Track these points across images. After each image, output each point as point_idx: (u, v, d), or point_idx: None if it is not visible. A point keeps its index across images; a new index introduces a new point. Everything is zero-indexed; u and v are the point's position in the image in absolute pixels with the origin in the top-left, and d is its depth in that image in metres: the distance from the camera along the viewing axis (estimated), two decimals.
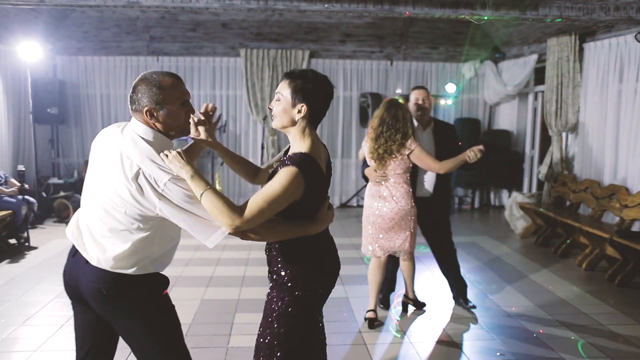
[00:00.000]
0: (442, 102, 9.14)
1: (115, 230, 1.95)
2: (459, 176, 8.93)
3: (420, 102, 4.31)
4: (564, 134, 7.28)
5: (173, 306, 2.15)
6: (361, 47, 9.09)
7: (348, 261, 5.93)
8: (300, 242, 2.03)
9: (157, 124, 1.97)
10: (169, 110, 1.95)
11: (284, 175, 1.88)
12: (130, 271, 1.98)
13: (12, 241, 6.38)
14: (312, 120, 2.03)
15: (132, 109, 1.98)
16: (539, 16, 5.34)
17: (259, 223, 1.85)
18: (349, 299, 4.68)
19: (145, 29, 8.61)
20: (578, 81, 6.88)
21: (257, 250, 6.35)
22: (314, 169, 1.95)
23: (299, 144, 2.02)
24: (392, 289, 4.60)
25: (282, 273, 2.06)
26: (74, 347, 3.61)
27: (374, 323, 4.06)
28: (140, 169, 1.87)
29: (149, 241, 1.98)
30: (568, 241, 6.19)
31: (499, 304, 4.60)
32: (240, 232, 1.87)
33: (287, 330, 2.02)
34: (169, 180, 1.85)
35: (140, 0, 4.91)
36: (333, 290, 4.86)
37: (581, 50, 6.87)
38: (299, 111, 1.99)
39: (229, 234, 1.87)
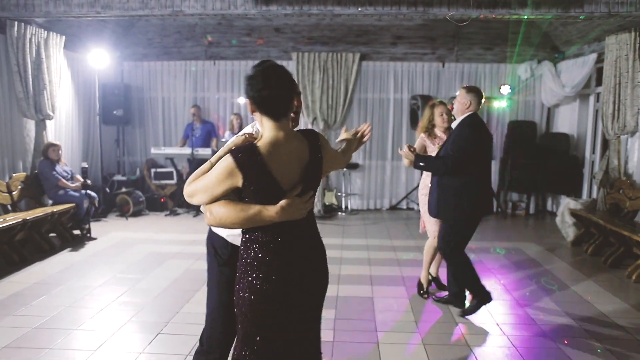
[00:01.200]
0: (495, 104, 8.90)
1: None
2: (512, 180, 8.67)
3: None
4: (622, 137, 6.88)
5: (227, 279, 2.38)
6: (412, 49, 9.05)
7: (382, 262, 5.97)
8: (256, 235, 2.07)
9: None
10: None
11: (221, 161, 2.02)
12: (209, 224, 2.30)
13: (76, 232, 6.98)
14: (263, 110, 2.02)
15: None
16: (584, 13, 5.11)
17: (192, 189, 2.06)
18: (374, 299, 4.73)
19: (203, 35, 9.08)
20: (638, 81, 6.47)
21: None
22: (252, 164, 1.98)
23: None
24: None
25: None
26: (110, 328, 3.96)
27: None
28: None
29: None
30: (620, 251, 5.86)
31: (528, 311, 4.47)
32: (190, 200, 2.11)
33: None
34: None
35: (183, 9, 5.24)
36: (361, 289, 4.97)
37: None
38: (249, 106, 2.10)
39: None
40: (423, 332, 4.01)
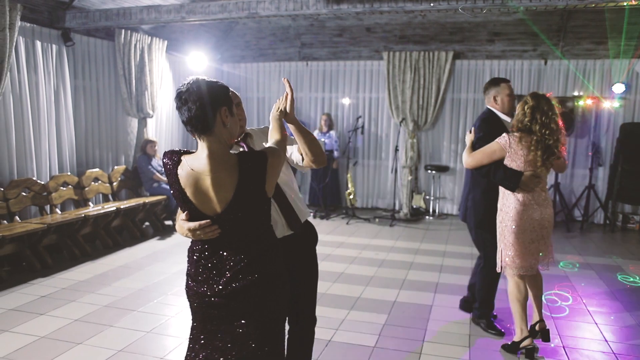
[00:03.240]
0: (606, 104, 8.01)
1: None
2: (622, 189, 7.74)
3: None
4: None
5: None
6: (511, 46, 8.46)
7: (454, 270, 5.67)
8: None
9: None
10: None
11: None
12: None
13: (169, 222, 7.52)
14: (186, 128, 2.01)
15: None
16: None
17: None
18: (432, 308, 4.51)
19: (296, 37, 9.30)
20: None
21: (368, 250, 6.49)
22: (170, 171, 2.02)
23: None
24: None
25: None
26: (167, 312, 4.21)
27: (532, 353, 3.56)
28: None
29: None
30: None
31: (608, 337, 3.96)
32: None
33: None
34: None
35: (258, 11, 5.41)
36: (422, 296, 4.73)
37: None
38: None
39: None
40: (474, 348, 3.74)
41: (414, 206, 8.92)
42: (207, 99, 1.93)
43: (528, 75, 8.43)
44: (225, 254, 1.99)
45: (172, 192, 2.06)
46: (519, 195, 3.46)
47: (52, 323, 4.00)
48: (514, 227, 3.45)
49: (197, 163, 1.95)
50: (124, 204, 6.52)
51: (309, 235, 2.65)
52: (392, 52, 8.84)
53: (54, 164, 6.27)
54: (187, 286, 2.09)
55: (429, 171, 8.88)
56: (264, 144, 2.43)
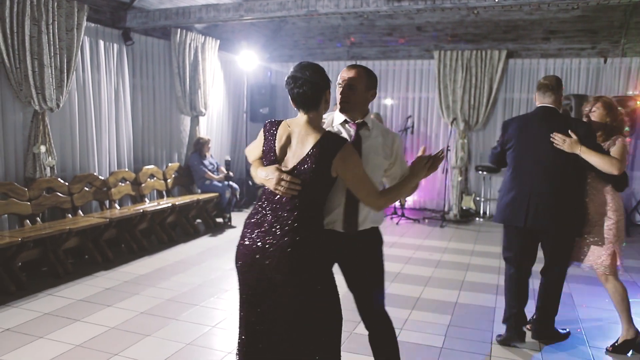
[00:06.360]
0: None
1: None
2: None
3: None
4: None
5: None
6: (568, 44, 8.20)
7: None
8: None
9: None
10: None
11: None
12: None
13: (219, 220, 7.60)
14: (295, 104, 2.28)
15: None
16: None
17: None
18: (496, 310, 4.39)
19: (345, 36, 9.27)
20: None
21: (421, 250, 6.39)
22: (270, 129, 2.36)
23: None
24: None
25: None
26: (228, 308, 4.24)
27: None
28: None
29: None
30: None
31: None
32: None
33: None
34: None
35: (317, 9, 5.40)
36: (483, 297, 4.70)
37: None
38: None
39: None
40: (545, 352, 3.61)
41: (464, 207, 8.75)
42: (316, 82, 2.20)
43: (586, 74, 8.16)
44: (279, 212, 2.24)
45: (263, 149, 2.34)
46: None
47: (119, 314, 4.08)
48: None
49: (295, 121, 2.30)
50: (179, 201, 6.63)
51: (368, 240, 2.57)
52: (443, 51, 8.71)
53: (113, 160, 6.43)
54: (236, 252, 2.39)
55: (480, 172, 8.70)
56: (380, 145, 2.48)
